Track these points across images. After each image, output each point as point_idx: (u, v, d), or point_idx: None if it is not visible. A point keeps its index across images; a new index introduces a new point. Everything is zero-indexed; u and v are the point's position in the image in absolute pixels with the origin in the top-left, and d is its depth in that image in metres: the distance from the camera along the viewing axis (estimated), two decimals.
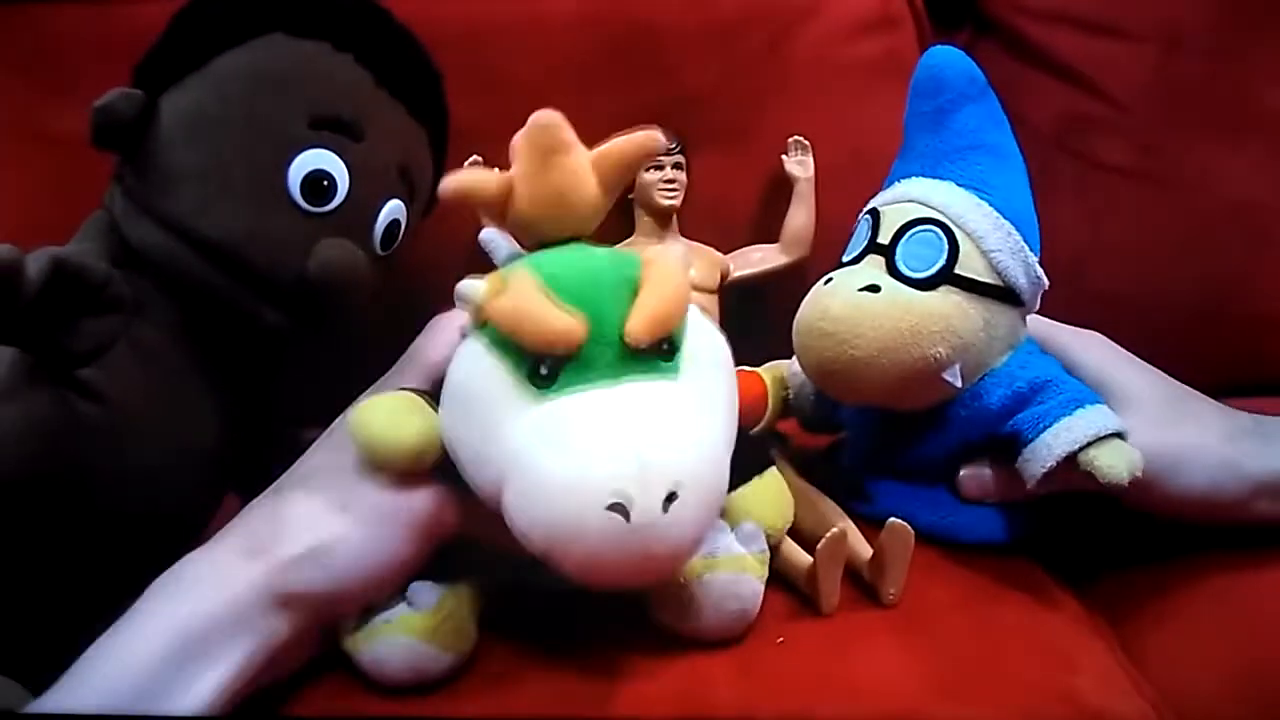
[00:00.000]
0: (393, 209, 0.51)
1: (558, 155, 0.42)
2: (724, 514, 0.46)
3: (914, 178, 0.53)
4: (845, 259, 0.54)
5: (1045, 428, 0.48)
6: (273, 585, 0.40)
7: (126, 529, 0.46)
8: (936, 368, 0.49)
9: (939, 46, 0.53)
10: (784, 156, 0.74)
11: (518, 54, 0.74)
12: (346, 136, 0.48)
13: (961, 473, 0.53)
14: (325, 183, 0.47)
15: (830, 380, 0.52)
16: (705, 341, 0.42)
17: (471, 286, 0.41)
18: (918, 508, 0.55)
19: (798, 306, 0.53)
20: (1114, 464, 0.46)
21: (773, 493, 0.48)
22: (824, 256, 0.72)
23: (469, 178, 0.43)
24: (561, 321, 0.38)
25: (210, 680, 0.38)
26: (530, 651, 0.46)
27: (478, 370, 0.40)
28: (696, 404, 0.40)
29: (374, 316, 0.52)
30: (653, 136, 0.43)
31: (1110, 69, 0.80)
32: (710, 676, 0.44)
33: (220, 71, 0.48)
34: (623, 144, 0.43)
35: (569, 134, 0.43)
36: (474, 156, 0.69)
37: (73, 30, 0.72)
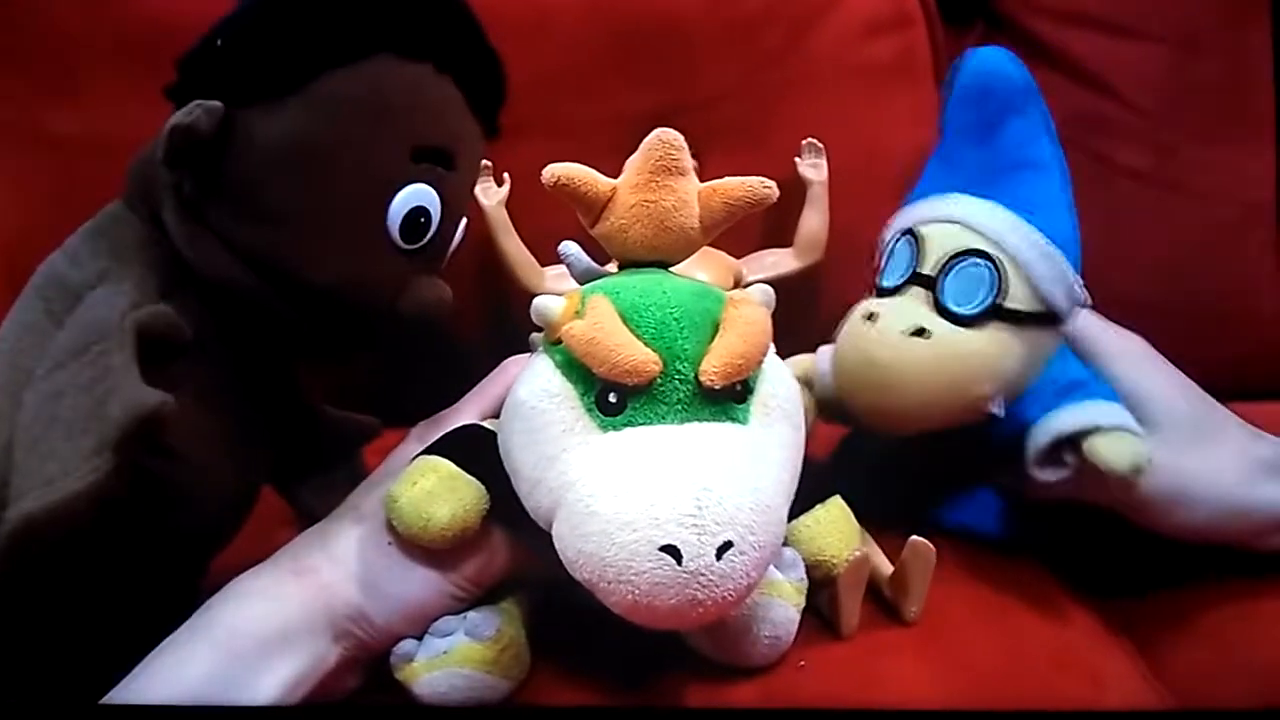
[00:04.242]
0: (461, 229, 0.49)
1: (671, 176, 0.41)
2: (787, 541, 0.45)
3: (957, 194, 0.51)
4: (885, 284, 0.52)
5: (1051, 410, 0.48)
6: (320, 605, 0.41)
7: (180, 550, 0.46)
8: (982, 403, 0.48)
9: (986, 49, 0.51)
10: (797, 159, 0.74)
11: (529, 53, 0.72)
12: (442, 166, 0.45)
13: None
14: (422, 219, 0.44)
15: (876, 420, 0.52)
16: (779, 389, 0.41)
17: (548, 304, 0.40)
18: (935, 505, 0.55)
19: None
20: (1117, 454, 0.44)
21: (837, 522, 0.47)
22: (838, 260, 0.72)
23: (578, 170, 0.42)
24: (636, 354, 0.37)
25: (257, 697, 0.38)
26: (552, 668, 0.45)
27: (544, 390, 0.39)
28: (763, 453, 0.39)
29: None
30: (767, 184, 0.42)
31: (1125, 70, 0.79)
32: (732, 701, 0.43)
33: (325, 97, 0.43)
34: (733, 185, 0.42)
35: (688, 159, 0.42)
36: (483, 162, 0.68)
37: (73, 26, 0.70)
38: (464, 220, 0.49)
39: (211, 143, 0.41)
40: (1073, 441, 0.47)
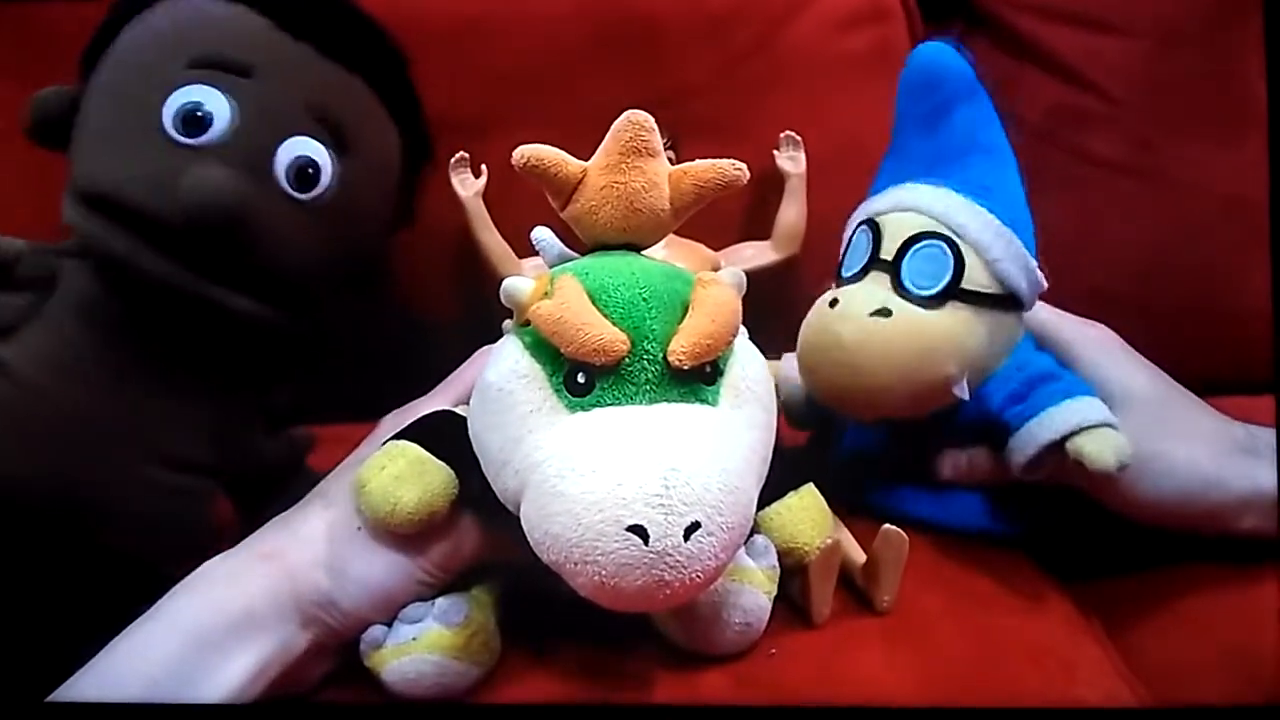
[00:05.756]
0: (298, 145, 0.48)
1: (641, 157, 0.41)
2: (759, 529, 0.45)
3: (910, 183, 0.52)
4: (846, 273, 0.52)
5: (1031, 416, 0.48)
6: (285, 590, 0.40)
7: (97, 546, 0.46)
8: (947, 384, 0.49)
9: (929, 43, 0.52)
10: (775, 152, 0.74)
11: (508, 46, 0.73)
12: (231, 73, 0.47)
13: (940, 458, 0.53)
14: (199, 114, 0.45)
15: (842, 403, 0.52)
16: (750, 371, 0.41)
17: (517, 285, 0.40)
18: (911, 499, 0.55)
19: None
20: (1101, 451, 0.45)
21: (810, 510, 0.47)
22: (815, 253, 0.73)
23: (548, 151, 0.41)
24: (605, 333, 0.37)
25: (223, 681, 0.38)
26: (522, 655, 0.45)
27: (513, 371, 0.39)
28: (732, 434, 0.39)
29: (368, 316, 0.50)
30: (737, 166, 0.42)
31: (1103, 63, 0.79)
32: (703, 690, 0.43)
33: (121, 41, 0.48)
34: (703, 167, 0.42)
35: (657, 140, 0.41)
36: (461, 154, 0.68)
37: (62, 30, 0.70)
38: (315, 141, 0.48)
39: (65, 121, 0.47)
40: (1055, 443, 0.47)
